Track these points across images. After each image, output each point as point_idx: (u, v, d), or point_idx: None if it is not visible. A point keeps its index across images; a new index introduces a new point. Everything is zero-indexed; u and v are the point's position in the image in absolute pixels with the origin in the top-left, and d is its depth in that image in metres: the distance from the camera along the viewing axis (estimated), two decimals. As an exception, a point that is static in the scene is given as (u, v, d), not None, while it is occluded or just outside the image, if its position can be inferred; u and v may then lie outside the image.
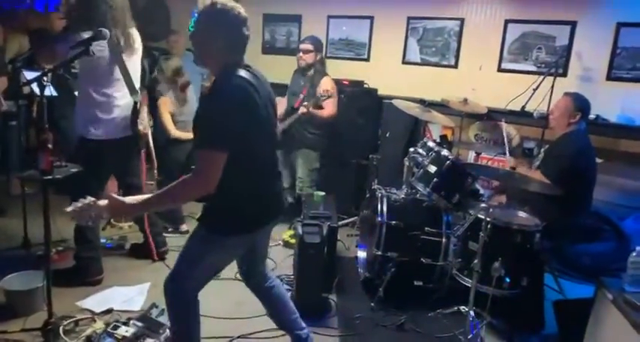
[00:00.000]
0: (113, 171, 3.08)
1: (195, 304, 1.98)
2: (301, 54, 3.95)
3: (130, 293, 2.92)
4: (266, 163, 1.96)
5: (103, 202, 1.74)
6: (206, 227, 1.89)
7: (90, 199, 1.74)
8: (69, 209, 1.71)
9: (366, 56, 5.02)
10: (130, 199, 1.78)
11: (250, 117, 1.77)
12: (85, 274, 2.97)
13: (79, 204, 1.71)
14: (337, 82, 4.19)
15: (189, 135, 4.02)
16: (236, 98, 1.73)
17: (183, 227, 3.94)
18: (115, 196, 1.78)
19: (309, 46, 3.94)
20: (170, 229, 3.85)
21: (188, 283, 1.92)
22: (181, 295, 1.94)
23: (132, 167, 3.13)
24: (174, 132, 3.89)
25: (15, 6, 6.95)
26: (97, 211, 1.72)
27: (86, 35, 2.40)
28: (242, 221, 1.86)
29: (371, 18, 4.94)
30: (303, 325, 2.28)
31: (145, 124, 3.00)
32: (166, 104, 3.92)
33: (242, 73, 1.79)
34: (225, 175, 1.72)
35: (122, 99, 2.88)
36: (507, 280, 2.65)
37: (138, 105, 2.91)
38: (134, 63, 2.94)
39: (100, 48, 2.61)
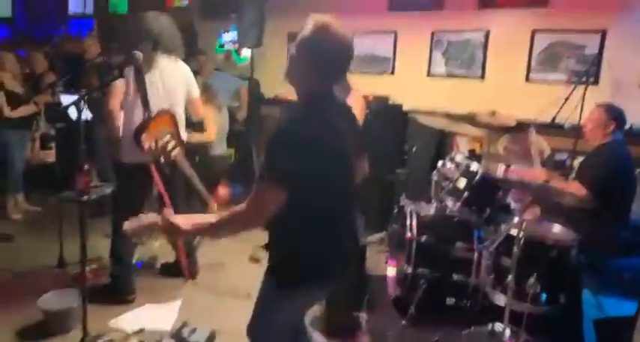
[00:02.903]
0: (146, 196, 3.02)
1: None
2: None
3: (161, 312, 2.95)
4: (333, 216, 1.71)
5: (153, 221, 1.62)
6: (271, 276, 1.73)
7: (143, 217, 1.65)
8: (125, 227, 1.65)
9: (390, 70, 5.04)
10: (184, 224, 1.60)
11: (319, 163, 1.57)
12: (119, 291, 3.02)
13: (134, 222, 1.64)
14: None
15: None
16: (304, 137, 1.55)
17: None
18: (170, 217, 1.61)
19: None
20: None
21: (273, 327, 1.78)
22: (270, 337, 1.80)
23: (173, 196, 2.90)
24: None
25: (49, 32, 7.26)
26: (151, 230, 1.63)
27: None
28: (297, 274, 1.67)
29: (394, 32, 4.97)
30: None
31: (162, 144, 2.72)
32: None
33: (322, 109, 1.65)
34: (284, 218, 1.55)
35: (138, 119, 2.73)
36: (544, 296, 2.57)
37: (148, 120, 2.68)
38: (156, 81, 2.78)
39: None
